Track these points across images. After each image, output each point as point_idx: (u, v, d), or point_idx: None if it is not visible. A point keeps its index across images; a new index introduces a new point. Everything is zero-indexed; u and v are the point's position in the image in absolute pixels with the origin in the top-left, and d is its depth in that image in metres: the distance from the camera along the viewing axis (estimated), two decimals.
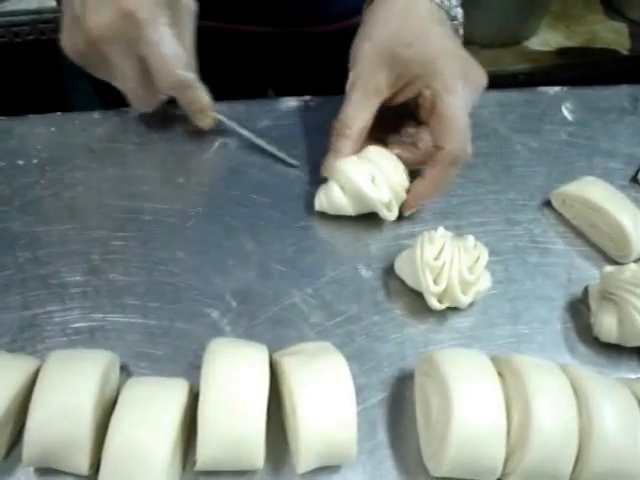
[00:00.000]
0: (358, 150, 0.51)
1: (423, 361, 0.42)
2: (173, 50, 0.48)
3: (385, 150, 0.52)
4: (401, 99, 0.52)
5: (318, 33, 0.69)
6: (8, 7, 1.19)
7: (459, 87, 0.49)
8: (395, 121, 0.54)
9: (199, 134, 0.57)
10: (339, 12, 0.68)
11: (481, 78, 0.51)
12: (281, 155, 0.56)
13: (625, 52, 1.39)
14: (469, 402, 0.37)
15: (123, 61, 0.49)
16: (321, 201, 0.51)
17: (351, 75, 0.52)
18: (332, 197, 0.50)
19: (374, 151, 0.51)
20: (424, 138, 0.51)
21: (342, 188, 0.50)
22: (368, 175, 0.49)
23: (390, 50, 0.50)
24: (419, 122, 0.52)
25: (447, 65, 0.49)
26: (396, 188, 0.50)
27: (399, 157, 0.52)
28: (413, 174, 0.52)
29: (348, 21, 0.68)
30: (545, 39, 1.44)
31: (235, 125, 0.56)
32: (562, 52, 1.39)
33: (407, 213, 0.52)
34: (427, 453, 0.40)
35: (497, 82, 1.42)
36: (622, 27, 1.47)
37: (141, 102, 0.53)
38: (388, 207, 0.51)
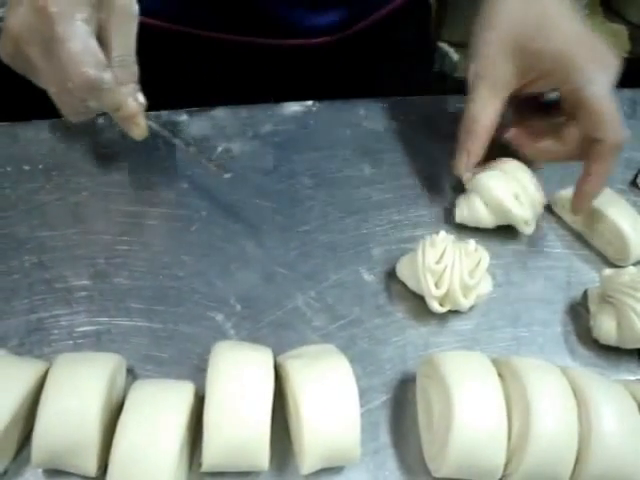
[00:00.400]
0: (487, 146, 0.51)
1: (424, 363, 0.43)
2: (84, 47, 0.44)
3: (523, 165, 0.53)
4: (531, 91, 0.51)
5: (317, 44, 0.69)
6: None
7: (598, 75, 0.48)
8: (530, 111, 0.54)
9: (202, 139, 0.57)
10: (336, 23, 0.68)
11: (613, 59, 0.50)
12: (211, 167, 0.51)
13: (625, 54, 1.40)
14: (470, 405, 0.38)
15: (42, 62, 0.46)
16: (462, 213, 0.52)
17: (472, 66, 0.51)
18: (474, 210, 0.52)
19: (514, 165, 0.52)
20: (571, 132, 0.50)
21: (485, 203, 0.51)
22: (512, 192, 0.50)
23: (516, 41, 0.49)
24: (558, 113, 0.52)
25: (580, 55, 0.48)
26: (536, 204, 0.52)
27: (548, 152, 0.52)
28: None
29: (347, 32, 0.68)
30: None
31: (169, 134, 0.52)
32: None
33: (578, 214, 0.52)
34: (429, 454, 0.41)
35: None
36: (622, 29, 1.47)
37: (69, 109, 0.48)
38: (527, 223, 0.52)
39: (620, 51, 1.39)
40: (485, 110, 0.50)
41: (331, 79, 0.64)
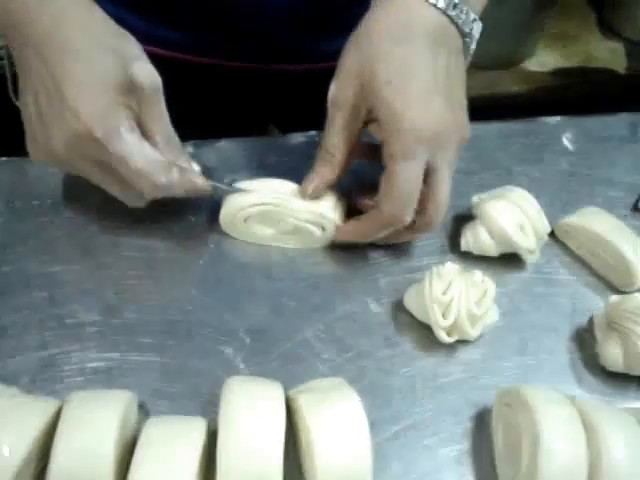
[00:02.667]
0: (342, 174, 0.50)
1: (506, 394, 0.44)
2: (145, 159, 0.44)
3: (528, 194, 0.53)
4: (372, 132, 0.49)
5: (317, 70, 0.70)
6: None
7: (419, 152, 0.45)
8: None
9: (208, 172, 0.58)
10: (334, 49, 0.69)
11: (457, 133, 0.47)
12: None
13: (622, 71, 1.41)
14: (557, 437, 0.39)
15: (98, 176, 0.47)
16: (468, 242, 0.53)
17: (331, 88, 0.48)
18: (480, 240, 0.52)
19: (519, 195, 0.53)
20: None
21: (490, 232, 0.52)
22: (517, 223, 0.51)
23: (371, 77, 0.45)
24: None
25: (414, 125, 0.44)
26: (540, 233, 0.52)
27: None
28: None
29: None
30: (542, 60, 1.46)
31: (226, 186, 0.52)
32: (559, 73, 1.41)
33: (338, 240, 0.52)
34: None
35: (496, 104, 1.44)
36: (618, 46, 1.49)
37: (134, 201, 0.50)
38: (531, 252, 0.52)
39: (617, 68, 1.41)
40: (339, 140, 0.49)
41: None
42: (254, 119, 0.78)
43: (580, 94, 1.37)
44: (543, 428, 0.39)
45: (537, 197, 0.54)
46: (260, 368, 0.46)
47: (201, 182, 0.48)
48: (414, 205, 0.47)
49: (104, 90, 0.43)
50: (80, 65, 0.43)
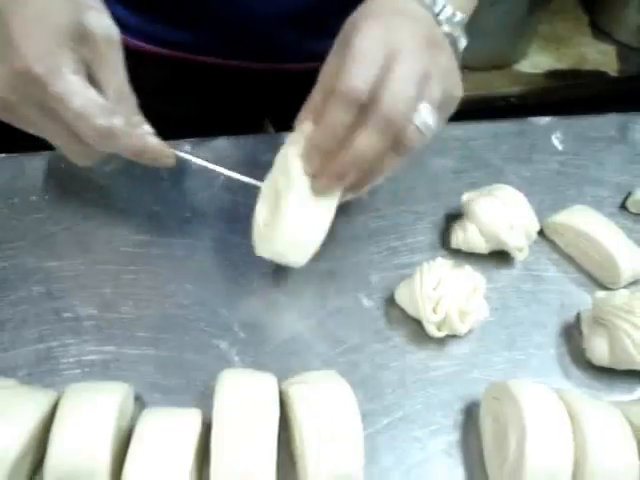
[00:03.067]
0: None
1: (494, 387, 0.44)
2: (84, 100, 0.42)
3: (518, 192, 0.54)
4: None
5: (315, 69, 0.71)
6: None
7: (372, 36, 0.42)
8: None
9: (205, 170, 0.59)
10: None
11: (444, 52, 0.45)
12: (245, 180, 0.52)
13: (613, 74, 1.42)
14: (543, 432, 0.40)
15: (41, 121, 0.44)
16: (458, 239, 0.54)
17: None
18: (470, 237, 0.53)
19: (508, 193, 0.54)
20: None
21: (480, 230, 0.53)
22: (506, 221, 0.52)
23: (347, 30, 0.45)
24: None
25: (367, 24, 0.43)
26: (529, 231, 0.54)
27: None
28: None
29: None
30: (535, 61, 1.48)
31: (197, 159, 0.52)
32: (552, 74, 1.42)
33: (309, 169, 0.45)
34: (497, 478, 0.42)
35: (489, 105, 1.45)
36: (610, 49, 1.50)
37: (80, 156, 0.48)
38: (520, 250, 0.54)
39: (609, 70, 1.42)
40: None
41: None
42: (251, 116, 0.79)
43: (572, 96, 1.38)
44: (530, 419, 0.40)
45: (527, 195, 0.55)
46: (254, 361, 0.47)
47: (152, 142, 0.47)
48: (371, 76, 0.42)
49: (52, 32, 0.42)
50: (30, 6, 0.42)
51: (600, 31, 1.53)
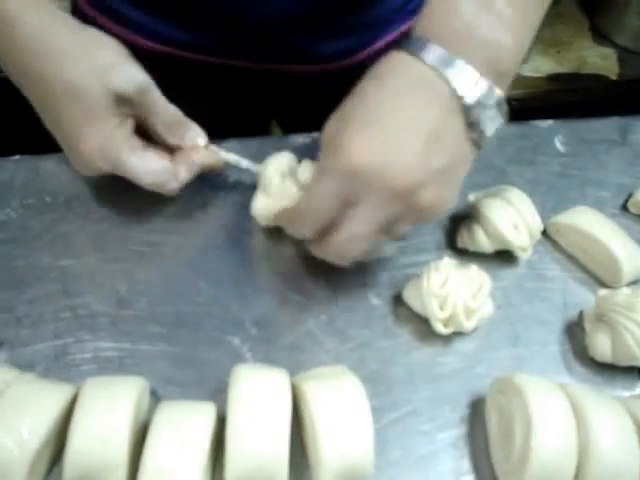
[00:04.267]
0: None
1: (500, 382, 0.46)
2: (153, 175, 0.51)
3: (522, 193, 0.55)
4: None
5: (321, 70, 0.72)
6: None
7: (339, 178, 0.41)
8: None
9: (213, 172, 0.60)
10: (337, 51, 0.70)
11: (384, 178, 0.41)
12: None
13: (614, 77, 1.44)
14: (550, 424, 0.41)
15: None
16: (463, 239, 0.55)
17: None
18: (475, 238, 0.54)
19: (513, 194, 0.55)
20: None
21: (485, 230, 0.54)
22: (511, 222, 0.53)
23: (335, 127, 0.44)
24: None
25: (345, 151, 0.41)
26: (533, 232, 0.55)
27: None
28: None
29: (347, 60, 0.71)
30: (537, 65, 1.49)
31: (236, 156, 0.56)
32: (553, 78, 1.43)
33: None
34: (502, 469, 0.44)
35: None
36: (610, 53, 1.51)
37: (86, 173, 0.53)
38: (524, 249, 0.55)
39: (609, 74, 1.43)
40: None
41: (337, 104, 0.66)
42: (258, 118, 0.80)
43: (573, 99, 1.40)
44: (535, 411, 0.41)
45: (530, 197, 0.56)
46: (265, 357, 0.49)
47: (211, 158, 0.54)
48: (315, 223, 0.44)
49: (95, 121, 0.48)
50: (72, 104, 0.47)
51: (600, 35, 1.55)
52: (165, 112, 0.51)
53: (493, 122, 0.43)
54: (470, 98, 0.41)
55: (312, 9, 0.64)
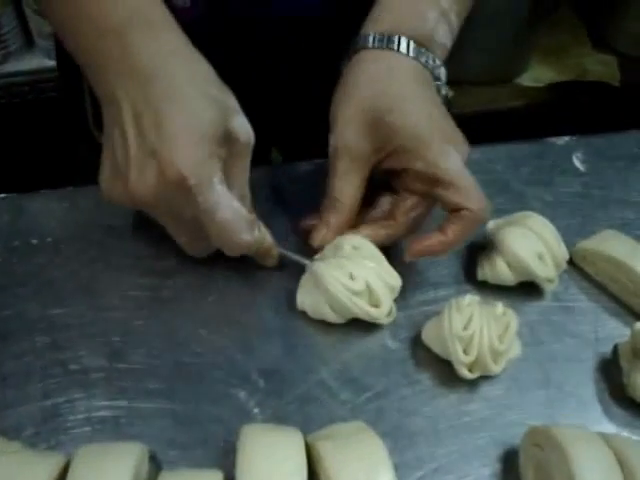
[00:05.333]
0: (352, 222, 0.50)
1: (533, 433, 0.42)
2: (232, 214, 0.44)
3: (547, 220, 0.52)
4: (387, 166, 0.49)
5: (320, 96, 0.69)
6: (7, 68, 1.21)
7: (452, 151, 0.47)
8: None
9: None
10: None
11: (464, 146, 0.49)
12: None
13: (616, 84, 1.41)
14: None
15: (173, 223, 0.47)
16: (484, 272, 0.52)
17: (332, 139, 0.49)
18: (497, 270, 0.51)
19: (537, 222, 0.51)
20: (402, 208, 0.50)
21: (507, 262, 0.50)
22: (536, 252, 0.50)
23: (372, 114, 0.47)
24: (394, 193, 0.51)
25: (433, 133, 0.47)
26: (559, 261, 0.51)
27: (370, 238, 0.49)
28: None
29: None
30: (536, 74, 1.46)
31: (296, 256, 0.51)
32: (555, 87, 1.40)
33: (409, 260, 0.49)
34: None
35: (493, 120, 1.43)
36: (611, 60, 1.48)
37: (196, 252, 0.50)
38: (550, 281, 0.51)
39: (612, 81, 1.40)
40: (346, 187, 0.49)
41: None
42: (259, 147, 0.77)
43: (577, 108, 1.37)
44: (579, 469, 0.37)
45: (551, 221, 0.53)
46: (275, 412, 0.44)
47: (268, 240, 0.49)
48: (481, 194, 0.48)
49: (202, 141, 0.42)
50: (183, 112, 0.42)
51: (600, 41, 1.52)
52: (246, 178, 0.47)
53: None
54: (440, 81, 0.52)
55: (312, 26, 0.61)
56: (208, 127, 0.42)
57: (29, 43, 1.24)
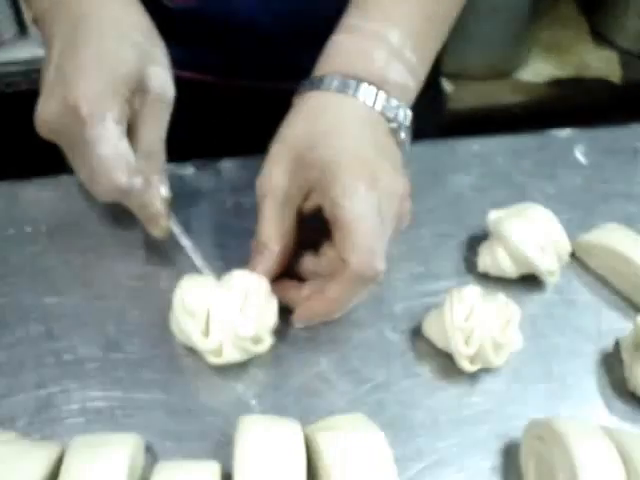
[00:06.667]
0: (284, 267, 0.46)
1: (535, 426, 0.41)
2: (114, 152, 0.43)
3: (549, 212, 0.51)
4: (310, 206, 0.46)
5: None
6: (0, 57, 1.19)
7: (361, 190, 0.42)
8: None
9: (211, 194, 0.56)
10: None
11: (394, 184, 0.44)
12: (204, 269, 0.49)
13: (617, 81, 1.40)
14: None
15: (71, 154, 0.46)
16: (485, 263, 0.51)
17: (258, 181, 0.46)
18: (498, 261, 0.50)
19: (539, 212, 0.50)
20: (326, 252, 0.46)
21: (509, 253, 0.49)
22: (538, 244, 0.49)
23: (297, 151, 0.44)
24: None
25: (346, 167, 0.42)
26: (561, 254, 0.50)
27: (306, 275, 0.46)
28: None
29: None
30: (536, 70, 1.46)
31: (188, 243, 0.49)
32: (555, 82, 1.40)
33: (297, 326, 0.46)
34: None
35: (491, 115, 1.43)
36: (612, 56, 1.48)
37: (97, 193, 0.47)
38: (552, 273, 0.50)
39: (612, 77, 1.40)
40: (271, 231, 0.45)
41: None
42: (256, 139, 0.76)
43: (577, 104, 1.36)
44: (581, 462, 0.37)
45: (554, 214, 0.52)
46: (274, 404, 0.44)
47: (157, 206, 0.47)
48: (383, 248, 0.43)
49: (109, 76, 0.43)
50: (99, 50, 0.43)
51: (601, 37, 1.52)
52: (157, 136, 0.47)
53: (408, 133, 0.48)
54: (396, 122, 0.47)
55: (308, 25, 0.59)
56: (119, 65, 0.43)
57: (22, 32, 1.23)
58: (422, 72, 0.49)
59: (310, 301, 0.44)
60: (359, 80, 0.45)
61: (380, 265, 0.42)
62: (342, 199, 0.42)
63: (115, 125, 0.43)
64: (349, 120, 0.45)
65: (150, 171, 0.46)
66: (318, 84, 0.46)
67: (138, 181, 0.45)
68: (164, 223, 0.48)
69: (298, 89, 0.48)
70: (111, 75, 0.43)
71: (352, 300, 0.44)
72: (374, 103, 0.45)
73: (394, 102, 0.46)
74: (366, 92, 0.45)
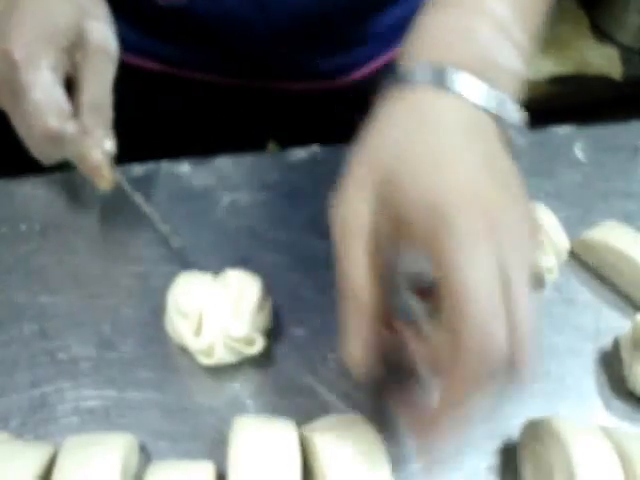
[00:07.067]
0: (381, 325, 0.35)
1: (533, 427, 0.41)
2: (46, 96, 0.43)
3: (546, 209, 0.47)
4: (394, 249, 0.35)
5: (316, 88, 0.68)
6: None
7: (479, 250, 0.31)
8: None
9: (206, 192, 0.55)
10: (333, 68, 0.67)
11: (519, 227, 0.33)
12: (165, 231, 0.49)
13: (618, 77, 1.39)
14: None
15: (9, 104, 0.45)
16: None
17: (336, 213, 0.36)
18: None
19: (537, 210, 0.46)
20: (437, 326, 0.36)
21: None
22: None
23: (383, 176, 0.34)
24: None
25: (459, 209, 0.31)
26: (560, 252, 0.50)
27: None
28: None
29: (343, 78, 0.67)
30: (537, 67, 1.45)
31: (130, 190, 0.50)
32: (556, 79, 1.39)
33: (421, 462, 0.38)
34: None
35: None
36: (613, 52, 1.47)
37: (37, 153, 0.46)
38: (550, 271, 0.49)
39: (613, 74, 1.39)
40: (366, 277, 0.34)
41: (335, 123, 0.62)
42: (253, 137, 0.76)
43: (577, 101, 1.36)
44: (579, 462, 0.36)
45: (551, 212, 0.51)
46: (269, 404, 0.43)
47: (95, 155, 0.46)
48: (502, 316, 0.32)
49: (44, 26, 0.44)
50: (38, 3, 0.44)
51: (601, 33, 1.51)
52: (102, 90, 0.46)
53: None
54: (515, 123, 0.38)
55: (305, 24, 0.60)
56: (54, 17, 0.44)
57: None
58: (529, 58, 0.40)
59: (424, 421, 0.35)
60: (460, 69, 0.35)
61: (501, 334, 0.31)
62: (454, 258, 0.31)
63: (50, 72, 0.43)
64: (452, 130, 0.34)
65: (94, 124, 0.46)
66: (407, 77, 0.36)
67: (71, 126, 0.44)
68: (107, 174, 0.47)
69: (383, 84, 0.38)
70: (45, 24, 0.43)
71: (473, 388, 0.33)
72: (482, 99, 0.35)
73: (506, 97, 0.36)
74: (471, 85, 0.35)
